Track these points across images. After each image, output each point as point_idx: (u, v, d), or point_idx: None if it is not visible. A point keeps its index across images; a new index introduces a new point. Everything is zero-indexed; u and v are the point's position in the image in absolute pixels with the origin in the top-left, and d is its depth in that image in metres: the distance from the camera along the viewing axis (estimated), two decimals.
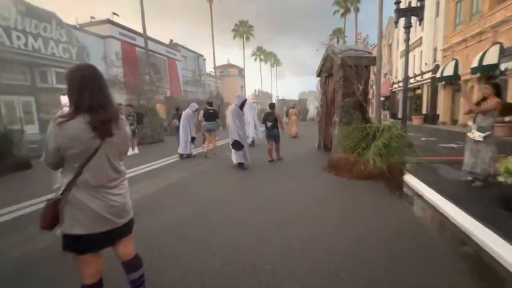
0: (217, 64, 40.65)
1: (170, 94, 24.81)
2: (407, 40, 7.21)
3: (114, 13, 21.54)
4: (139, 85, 14.55)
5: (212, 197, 3.93)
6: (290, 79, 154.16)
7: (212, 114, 7.82)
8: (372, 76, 6.44)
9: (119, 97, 18.61)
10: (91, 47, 18.44)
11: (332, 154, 6.64)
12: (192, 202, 3.75)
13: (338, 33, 36.06)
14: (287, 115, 14.27)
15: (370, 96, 6.51)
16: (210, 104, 8.33)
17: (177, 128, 9.65)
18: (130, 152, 8.49)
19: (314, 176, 5.11)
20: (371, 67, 6.34)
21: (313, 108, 27.81)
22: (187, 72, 31.82)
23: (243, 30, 39.70)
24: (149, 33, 18.86)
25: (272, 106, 7.26)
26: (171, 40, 30.85)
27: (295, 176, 5.14)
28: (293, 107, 13.81)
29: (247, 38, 40.34)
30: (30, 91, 16.10)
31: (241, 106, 6.00)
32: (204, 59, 37.17)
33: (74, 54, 17.55)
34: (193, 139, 7.73)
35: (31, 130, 15.94)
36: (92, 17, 21.26)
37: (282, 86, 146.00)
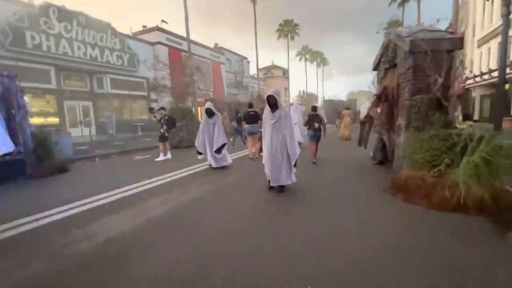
0: (261, 66, 40.37)
1: (214, 97, 25.02)
2: (506, 15, 5.27)
3: (163, 21, 22.58)
4: (183, 88, 14.57)
5: (226, 232, 2.94)
6: (337, 79, 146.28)
7: (253, 116, 7.57)
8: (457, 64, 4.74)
9: (159, 100, 19.25)
10: (141, 53, 19.47)
11: (395, 169, 5.11)
12: (198, 240, 2.80)
13: (396, 25, 32.26)
14: (339, 117, 13.93)
15: (451, 91, 4.80)
16: (251, 106, 8.07)
17: (236, 131, 10.64)
18: (161, 157, 8.13)
19: (373, 202, 3.74)
20: (456, 52, 4.66)
21: (364, 109, 25.23)
22: (230, 75, 32.00)
23: (287, 30, 38.53)
24: (197, 38, 19.24)
25: (314, 108, 7.27)
26: (216, 44, 31.40)
27: (346, 201, 3.82)
28: (347, 108, 13.35)
29: (292, 38, 39.01)
30: (89, 96, 17.60)
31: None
32: (248, 61, 37.07)
33: (126, 61, 18.72)
34: (219, 148, 6.37)
35: (88, 132, 17.42)
36: (144, 26, 22.59)
37: (329, 87, 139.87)
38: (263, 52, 55.15)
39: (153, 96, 20.52)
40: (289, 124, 4.19)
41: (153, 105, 20.38)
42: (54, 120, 15.49)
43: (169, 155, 8.28)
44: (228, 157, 6.59)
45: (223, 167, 6.40)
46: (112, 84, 17.75)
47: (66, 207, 3.87)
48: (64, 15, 14.91)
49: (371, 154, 7.02)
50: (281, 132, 4.11)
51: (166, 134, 8.09)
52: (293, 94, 51.37)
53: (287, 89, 44.99)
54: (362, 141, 6.95)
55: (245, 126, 7.70)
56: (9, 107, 6.14)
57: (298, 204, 3.73)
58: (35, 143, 6.41)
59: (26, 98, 13.49)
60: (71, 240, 2.84)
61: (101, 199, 4.24)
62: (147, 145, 12.00)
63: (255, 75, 38.77)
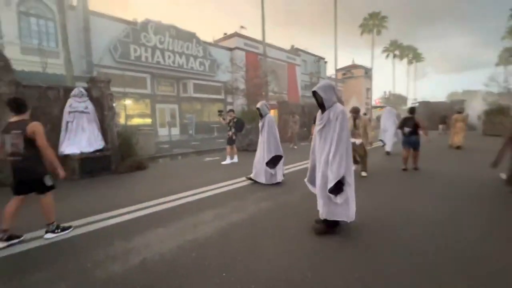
0: (339, 66, 37.55)
1: (288, 99, 24.41)
2: None
3: (241, 26, 23.40)
4: (256, 90, 14.45)
5: (277, 284, 2.08)
6: (433, 77, 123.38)
7: None
8: None
9: (234, 103, 19.73)
10: (221, 59, 20.55)
11: None
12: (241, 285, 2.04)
13: None
14: (442, 122, 11.35)
15: None
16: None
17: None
18: (228, 160, 7.88)
19: None
20: None
21: (474, 111, 20.04)
22: (306, 77, 30.78)
23: (373, 24, 34.55)
24: (274, 41, 19.10)
25: (412, 110, 6.55)
26: (292, 46, 30.75)
27: (471, 270, 2.39)
28: (459, 112, 10.82)
29: (378, 32, 34.77)
30: (175, 100, 19.63)
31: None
32: (325, 62, 34.99)
33: (207, 66, 20.08)
34: (274, 160, 5.14)
35: (174, 132, 19.46)
36: (224, 33, 23.94)
37: (421, 87, 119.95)
38: (342, 53, 51.35)
39: (229, 99, 21.48)
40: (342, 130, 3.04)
41: (229, 107, 21.34)
42: (148, 121, 17.83)
43: (235, 159, 7.98)
44: (280, 174, 5.21)
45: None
46: (194, 88, 19.29)
47: (122, 210, 3.77)
48: (159, 29, 16.99)
49: (503, 176, 4.87)
50: (328, 144, 2.78)
51: (234, 137, 7.82)
52: (377, 96, 45.91)
53: (369, 90, 40.54)
54: (499, 161, 4.78)
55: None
56: (102, 109, 6.93)
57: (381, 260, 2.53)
58: (120, 142, 7.05)
59: (128, 101, 15.55)
60: (107, 255, 2.52)
61: (158, 204, 4.03)
62: (219, 146, 12.27)
63: (333, 76, 36.33)
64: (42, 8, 13.06)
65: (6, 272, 2.31)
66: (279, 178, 5.20)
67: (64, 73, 9.49)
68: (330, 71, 35.52)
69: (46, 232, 2.95)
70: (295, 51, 29.73)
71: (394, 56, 42.68)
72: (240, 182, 5.32)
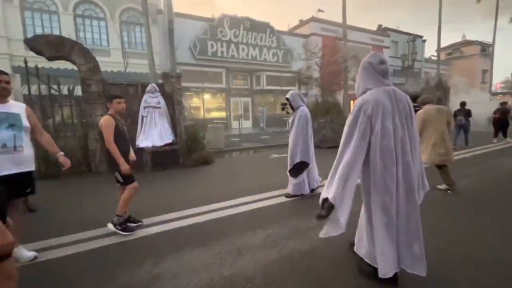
0: (447, 44, 30.49)
1: None
2: None
3: (319, 10, 21.48)
4: (332, 78, 12.84)
5: None
6: None
7: (416, 111, 4.84)
8: None
9: (308, 94, 18.30)
10: (296, 48, 19.36)
11: None
12: None
13: None
14: None
15: None
16: (414, 99, 5.24)
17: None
18: None
19: None
20: None
21: None
22: (396, 61, 26.21)
23: None
24: (361, 24, 16.72)
25: None
26: (380, 26, 26.57)
27: None
28: None
29: None
30: (249, 93, 19.73)
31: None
32: (423, 41, 28.97)
33: (281, 57, 19.29)
34: (300, 166, 3.98)
35: (246, 125, 19.68)
36: (300, 20, 22.52)
37: None
38: (448, 28, 40.63)
39: (303, 90, 20.21)
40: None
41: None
42: (223, 114, 18.52)
43: None
44: (306, 186, 4.06)
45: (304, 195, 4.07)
46: (267, 80, 18.89)
47: (170, 216, 3.43)
48: (234, 22, 17.14)
49: None
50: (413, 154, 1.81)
51: None
52: (499, 79, 35.46)
53: (486, 72, 31.66)
54: None
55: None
56: (173, 104, 7.10)
57: None
58: (187, 136, 7.11)
59: (207, 96, 16.33)
60: (127, 283, 2.10)
61: (208, 212, 3.56)
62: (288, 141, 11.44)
63: (433, 57, 29.90)
64: (137, 16, 14.88)
65: None
66: (312, 186, 4.12)
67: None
68: (430, 51, 29.27)
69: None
70: (383, 31, 25.62)
71: None
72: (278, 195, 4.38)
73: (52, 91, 6.16)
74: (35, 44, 5.59)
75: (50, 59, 5.97)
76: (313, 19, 20.76)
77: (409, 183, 1.74)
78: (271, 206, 3.76)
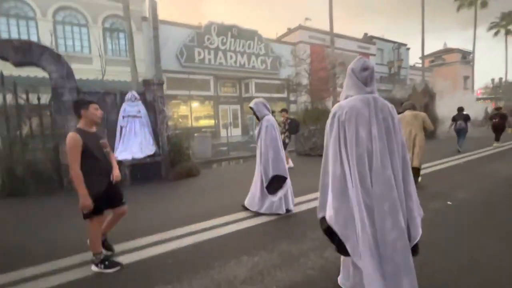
0: (429, 52, 31.45)
1: None
2: None
3: (306, 18, 21.66)
4: (321, 84, 12.73)
5: None
6: None
7: None
8: None
9: (298, 101, 18.18)
10: (285, 54, 19.30)
11: None
12: None
13: None
14: None
15: None
16: (413, 107, 5.33)
17: None
18: None
19: None
20: None
21: None
22: (382, 68, 26.72)
23: None
24: (347, 32, 16.85)
25: None
26: (365, 34, 27.11)
27: None
28: None
29: (484, 4, 27.48)
30: (238, 100, 19.45)
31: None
32: (407, 49, 29.77)
33: (269, 64, 19.19)
34: (275, 182, 3.62)
35: (236, 133, 19.31)
36: (288, 28, 22.63)
37: None
38: (430, 36, 42.37)
39: (292, 97, 20.09)
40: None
41: (292, 106, 19.96)
42: (211, 122, 18.11)
43: (290, 164, 6.82)
44: (282, 205, 3.60)
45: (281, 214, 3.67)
46: (256, 88, 18.69)
47: (147, 239, 3.00)
48: (222, 30, 16.95)
49: None
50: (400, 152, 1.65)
51: (287, 141, 6.78)
52: (480, 85, 36.71)
53: (468, 78, 32.76)
54: None
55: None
56: (155, 113, 6.67)
57: None
58: (170, 147, 6.67)
59: (195, 104, 15.91)
60: None
61: (186, 235, 3.14)
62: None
63: (417, 65, 30.76)
64: (121, 23, 14.43)
65: None
66: (287, 206, 3.64)
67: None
68: (414, 58, 30.11)
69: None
70: (368, 39, 26.13)
71: (507, 32, 33.21)
72: (295, 204, 4.03)
73: (20, 100, 5.62)
74: (0, 49, 5.09)
75: (17, 65, 5.46)
76: (301, 27, 20.90)
77: (391, 202, 1.49)
78: (258, 225, 3.38)
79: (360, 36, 26.14)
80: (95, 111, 2.45)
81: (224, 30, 17.05)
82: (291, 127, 6.84)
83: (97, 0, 13.72)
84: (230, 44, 17.30)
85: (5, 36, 11.63)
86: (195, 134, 9.78)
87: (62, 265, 2.51)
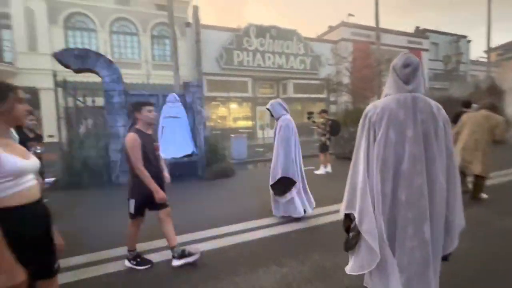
0: (496, 44, 27.42)
1: None
2: None
3: (349, 14, 20.56)
4: (364, 83, 11.94)
5: None
6: None
7: None
8: None
9: (338, 101, 17.34)
10: (325, 53, 18.61)
11: None
12: None
13: None
14: None
15: None
16: (467, 104, 5.08)
17: None
18: (321, 170, 6.58)
19: None
20: None
21: None
22: (437, 64, 24.07)
23: None
24: (397, 27, 15.60)
25: None
26: (417, 27, 24.73)
27: None
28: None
29: None
30: None
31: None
32: (468, 41, 26.36)
33: (308, 64, 18.66)
34: (286, 182, 3.48)
35: (272, 134, 19.14)
36: (330, 26, 21.78)
37: None
38: (497, 27, 36.30)
39: (332, 98, 19.25)
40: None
41: (331, 107, 19.13)
42: (249, 123, 18.28)
43: (329, 168, 6.53)
44: (298, 207, 3.46)
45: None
46: (294, 88, 18.34)
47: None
48: (260, 31, 17.00)
49: None
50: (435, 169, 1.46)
51: (328, 143, 6.43)
52: None
53: None
54: None
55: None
56: (194, 113, 6.91)
57: None
58: (207, 147, 6.83)
59: (234, 105, 16.23)
60: None
61: (215, 237, 3.12)
62: (315, 151, 10.73)
63: (481, 59, 27.05)
64: (167, 30, 15.42)
65: None
66: (301, 210, 3.47)
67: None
68: (477, 52, 26.51)
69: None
70: (421, 32, 23.78)
71: None
72: (331, 212, 3.74)
73: (78, 103, 6.30)
74: (63, 57, 5.76)
75: (77, 71, 6.13)
76: (343, 24, 19.91)
77: (418, 211, 1.40)
78: (290, 232, 3.20)
79: (411, 30, 23.95)
80: (148, 113, 2.43)
81: (263, 31, 17.08)
82: (332, 129, 6.50)
83: (146, 9, 14.86)
84: (268, 45, 17.26)
85: (72, 46, 13.29)
86: (231, 135, 9.90)
87: (102, 257, 2.66)
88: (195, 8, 14.80)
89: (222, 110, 17.69)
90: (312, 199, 3.74)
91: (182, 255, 2.44)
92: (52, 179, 6.10)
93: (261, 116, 18.83)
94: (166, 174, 2.66)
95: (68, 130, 6.14)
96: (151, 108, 2.47)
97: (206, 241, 2.99)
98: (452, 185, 1.47)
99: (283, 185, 3.44)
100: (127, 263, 2.50)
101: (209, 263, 2.52)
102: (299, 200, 3.52)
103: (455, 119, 6.06)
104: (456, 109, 6.11)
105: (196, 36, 14.90)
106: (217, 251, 2.76)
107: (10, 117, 1.25)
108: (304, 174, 3.71)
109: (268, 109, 3.75)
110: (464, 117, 4.13)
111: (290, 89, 18.36)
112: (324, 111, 6.82)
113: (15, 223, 1.12)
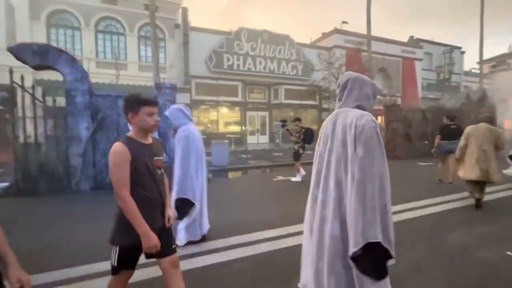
0: (489, 56, 27.60)
1: (402, 102, 19.49)
2: None
3: (343, 22, 20.45)
4: None
5: None
6: None
7: (454, 131, 5.80)
8: None
9: (330, 109, 17.00)
10: (316, 61, 18.37)
11: None
12: None
13: None
14: None
15: None
16: (452, 118, 6.11)
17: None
18: (298, 177, 6.50)
19: None
20: None
21: None
22: (430, 74, 24.05)
23: None
24: (395, 37, 15.41)
25: None
26: (411, 37, 24.75)
27: None
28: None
29: None
30: (266, 107, 18.96)
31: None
32: (462, 52, 26.48)
33: (300, 69, 18.40)
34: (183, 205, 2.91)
35: (263, 140, 18.78)
36: (323, 33, 21.64)
37: None
38: (490, 40, 36.73)
39: (325, 104, 18.94)
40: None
41: (324, 114, 18.81)
42: (238, 128, 17.86)
43: (302, 174, 6.41)
44: (183, 235, 2.91)
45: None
46: (286, 94, 18.02)
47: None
48: (252, 35, 16.73)
49: None
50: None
51: (301, 151, 6.25)
52: None
53: None
54: None
55: (438, 141, 6.01)
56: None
57: None
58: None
59: (224, 110, 15.72)
60: None
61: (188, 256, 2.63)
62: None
63: (474, 71, 27.18)
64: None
65: None
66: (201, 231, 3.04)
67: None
68: (470, 64, 26.60)
69: None
70: (415, 42, 23.77)
71: None
72: (294, 232, 3.29)
73: (37, 102, 5.82)
74: (19, 52, 5.31)
75: (36, 68, 5.67)
76: (336, 31, 19.76)
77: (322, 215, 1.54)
78: (247, 258, 2.74)
79: (405, 40, 23.93)
80: (146, 116, 1.56)
81: (255, 35, 16.81)
82: (306, 136, 6.25)
83: (134, 9, 14.51)
84: (260, 50, 16.97)
85: (55, 44, 12.82)
86: (213, 141, 9.47)
87: (62, 277, 2.18)
88: (184, 10, 14.50)
89: (213, 114, 17.28)
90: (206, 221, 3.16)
91: None
92: (4, 184, 5.60)
93: (252, 121, 18.46)
94: (170, 212, 1.76)
95: (24, 131, 5.64)
96: (152, 110, 1.59)
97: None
98: (355, 195, 1.39)
99: (181, 207, 2.86)
100: None
101: None
102: (199, 221, 3.00)
103: (440, 131, 5.89)
104: (444, 122, 6.01)
105: (183, 37, 14.56)
106: (194, 274, 2.28)
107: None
108: (205, 191, 3.12)
109: (167, 116, 3.04)
110: (467, 130, 4.47)
111: (281, 95, 18.03)
112: (297, 119, 6.65)
113: None
